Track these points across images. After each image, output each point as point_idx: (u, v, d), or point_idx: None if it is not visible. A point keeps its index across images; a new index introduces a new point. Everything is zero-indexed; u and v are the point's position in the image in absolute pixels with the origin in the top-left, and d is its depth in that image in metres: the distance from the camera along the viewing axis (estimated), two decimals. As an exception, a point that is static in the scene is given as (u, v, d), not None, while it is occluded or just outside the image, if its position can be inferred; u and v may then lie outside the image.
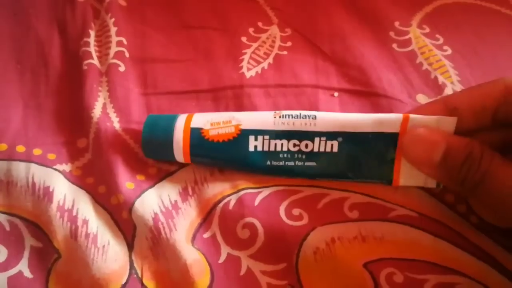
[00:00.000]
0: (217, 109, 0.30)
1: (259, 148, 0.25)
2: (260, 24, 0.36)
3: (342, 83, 0.32)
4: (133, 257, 0.25)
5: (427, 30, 0.35)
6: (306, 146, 0.25)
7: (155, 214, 0.25)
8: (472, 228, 0.24)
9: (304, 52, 0.34)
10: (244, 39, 0.35)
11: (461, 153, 0.21)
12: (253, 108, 0.30)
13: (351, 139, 0.24)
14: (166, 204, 0.26)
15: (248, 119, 0.26)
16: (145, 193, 0.26)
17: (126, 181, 0.26)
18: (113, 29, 0.34)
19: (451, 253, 0.23)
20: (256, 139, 0.25)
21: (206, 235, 0.25)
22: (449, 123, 0.23)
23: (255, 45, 0.34)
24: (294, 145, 0.25)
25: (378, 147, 0.24)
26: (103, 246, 0.25)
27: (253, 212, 0.25)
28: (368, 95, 0.31)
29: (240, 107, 0.30)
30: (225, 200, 0.26)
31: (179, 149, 0.26)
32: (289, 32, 0.35)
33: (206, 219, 0.26)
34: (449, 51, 0.33)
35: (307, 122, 0.25)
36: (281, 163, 0.25)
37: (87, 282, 0.24)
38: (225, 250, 0.25)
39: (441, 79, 0.32)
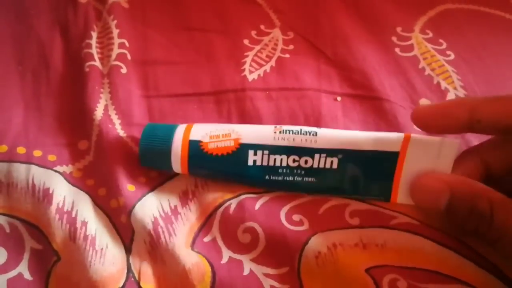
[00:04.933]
0: (219, 112, 0.30)
1: (258, 163, 0.25)
2: (262, 27, 0.36)
3: (344, 87, 0.31)
4: (131, 261, 0.25)
5: (430, 35, 0.35)
6: (306, 162, 0.25)
7: (155, 218, 0.25)
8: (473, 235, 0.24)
9: (306, 55, 0.34)
10: (246, 41, 0.34)
11: (465, 204, 0.21)
12: (255, 111, 0.30)
13: (351, 157, 0.24)
14: (165, 209, 0.26)
15: (247, 133, 0.25)
16: (145, 197, 0.26)
17: (127, 184, 0.26)
18: (115, 31, 0.34)
19: (453, 261, 0.22)
20: (255, 154, 0.25)
21: (206, 239, 0.25)
22: (452, 146, 0.23)
23: (257, 47, 0.34)
24: (294, 160, 0.25)
25: (378, 165, 0.24)
26: (101, 249, 0.24)
27: (253, 217, 0.25)
28: (371, 100, 0.30)
29: (242, 111, 0.30)
30: (226, 204, 0.26)
31: (177, 160, 0.25)
32: (291, 35, 0.35)
33: (205, 223, 0.26)
34: (452, 56, 0.33)
35: (307, 138, 0.25)
36: (280, 177, 0.25)
37: (85, 284, 0.24)
38: (226, 254, 0.25)
39: (443, 84, 0.31)
